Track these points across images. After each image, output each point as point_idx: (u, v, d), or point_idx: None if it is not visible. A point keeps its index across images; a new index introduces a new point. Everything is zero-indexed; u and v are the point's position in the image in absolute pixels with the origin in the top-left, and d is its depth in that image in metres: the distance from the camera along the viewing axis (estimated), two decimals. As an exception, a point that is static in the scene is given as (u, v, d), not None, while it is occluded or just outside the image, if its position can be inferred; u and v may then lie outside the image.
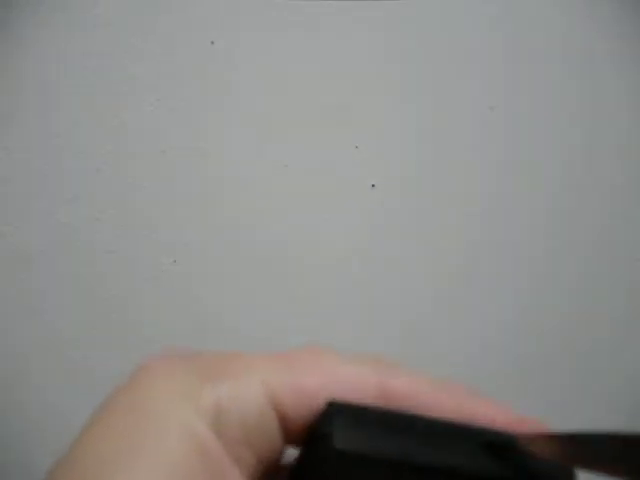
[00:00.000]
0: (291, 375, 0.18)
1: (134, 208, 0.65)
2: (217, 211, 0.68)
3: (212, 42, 0.64)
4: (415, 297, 0.78)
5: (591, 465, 0.17)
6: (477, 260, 0.79)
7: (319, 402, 0.18)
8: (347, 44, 0.68)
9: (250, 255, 0.70)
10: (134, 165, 0.64)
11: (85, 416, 0.19)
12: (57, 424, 0.68)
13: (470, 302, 0.81)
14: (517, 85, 0.75)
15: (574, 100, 0.78)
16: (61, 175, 0.62)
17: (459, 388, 0.20)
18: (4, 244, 0.63)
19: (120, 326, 0.68)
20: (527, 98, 0.76)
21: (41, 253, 0.64)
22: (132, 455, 0.16)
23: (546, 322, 0.85)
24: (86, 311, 0.67)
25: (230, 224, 0.69)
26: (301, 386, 0.18)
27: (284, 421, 0.18)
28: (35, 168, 0.62)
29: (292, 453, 0.20)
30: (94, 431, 0.17)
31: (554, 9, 0.74)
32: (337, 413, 0.18)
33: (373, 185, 0.73)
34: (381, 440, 0.18)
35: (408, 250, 0.76)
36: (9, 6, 0.58)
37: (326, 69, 0.68)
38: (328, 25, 0.67)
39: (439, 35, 0.71)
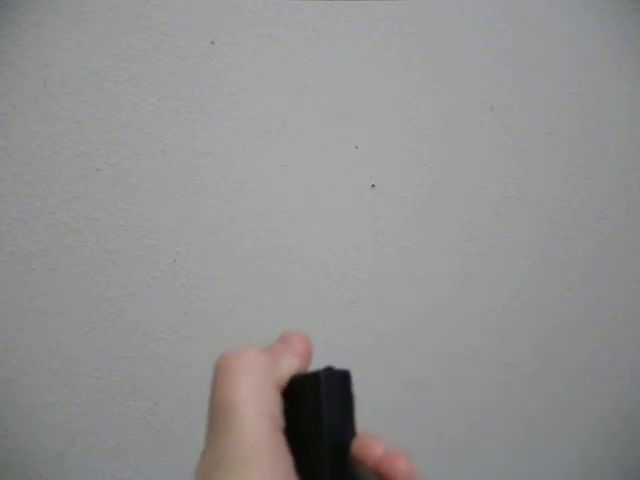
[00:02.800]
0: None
1: (134, 208, 0.65)
2: (217, 211, 0.68)
3: (212, 42, 0.64)
4: (415, 296, 0.78)
5: None
6: (477, 259, 0.79)
7: None
8: (347, 44, 0.68)
9: (250, 255, 0.70)
10: (134, 165, 0.64)
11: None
12: (57, 424, 0.68)
13: (469, 301, 0.81)
14: (517, 85, 0.75)
15: (574, 100, 0.78)
16: (61, 175, 0.62)
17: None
18: (4, 244, 0.63)
19: (120, 326, 0.68)
20: (527, 98, 0.76)
21: (41, 253, 0.64)
22: None
23: (546, 322, 0.85)
24: (86, 311, 0.67)
25: (230, 224, 0.69)
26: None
27: None
28: (35, 168, 0.62)
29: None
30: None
31: (555, 9, 0.74)
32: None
33: (373, 185, 0.73)
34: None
35: (408, 249, 0.76)
36: (9, 6, 0.58)
37: (326, 69, 0.68)
38: (328, 25, 0.67)
39: (439, 35, 0.71)
